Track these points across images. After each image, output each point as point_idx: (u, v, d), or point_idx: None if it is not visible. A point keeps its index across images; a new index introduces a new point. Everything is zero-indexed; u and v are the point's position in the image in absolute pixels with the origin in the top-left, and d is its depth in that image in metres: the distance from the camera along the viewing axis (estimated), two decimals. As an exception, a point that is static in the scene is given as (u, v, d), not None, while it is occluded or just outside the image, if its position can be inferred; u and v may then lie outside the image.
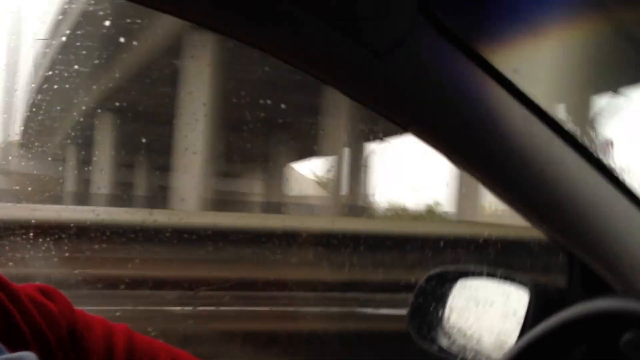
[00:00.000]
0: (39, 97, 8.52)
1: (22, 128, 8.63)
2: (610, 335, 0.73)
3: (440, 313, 1.04)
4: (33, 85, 8.86)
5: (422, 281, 1.05)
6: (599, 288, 0.82)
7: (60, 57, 7.25)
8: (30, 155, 8.47)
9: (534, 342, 0.74)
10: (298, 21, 0.64)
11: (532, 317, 0.87)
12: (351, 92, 0.70)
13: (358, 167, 13.71)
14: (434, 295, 1.04)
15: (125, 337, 0.72)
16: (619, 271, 0.77)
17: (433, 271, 1.05)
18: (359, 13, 0.64)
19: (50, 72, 8.13)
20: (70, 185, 11.29)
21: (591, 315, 0.72)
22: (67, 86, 6.27)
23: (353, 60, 0.67)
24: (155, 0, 0.62)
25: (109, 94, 10.58)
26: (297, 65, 0.70)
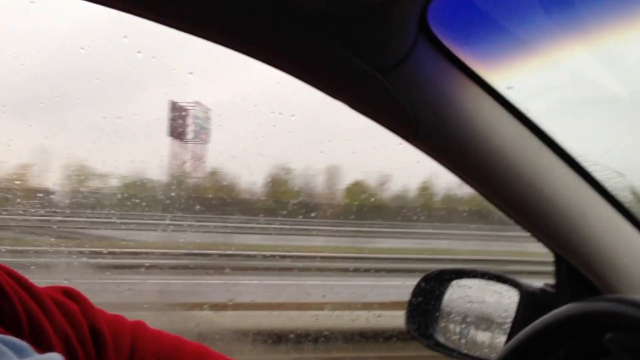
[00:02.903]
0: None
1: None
2: (595, 334, 0.76)
3: (437, 311, 1.08)
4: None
5: (420, 281, 1.09)
6: (586, 289, 0.87)
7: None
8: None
9: (524, 342, 0.78)
10: (308, 39, 0.69)
11: (521, 316, 0.91)
12: (356, 106, 0.75)
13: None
14: (432, 294, 1.08)
15: (143, 332, 0.75)
16: (603, 274, 0.83)
17: (431, 272, 1.09)
18: (365, 33, 0.69)
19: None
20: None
21: (577, 317, 0.75)
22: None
23: (359, 76, 0.72)
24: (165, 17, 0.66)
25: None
26: (305, 80, 0.75)
